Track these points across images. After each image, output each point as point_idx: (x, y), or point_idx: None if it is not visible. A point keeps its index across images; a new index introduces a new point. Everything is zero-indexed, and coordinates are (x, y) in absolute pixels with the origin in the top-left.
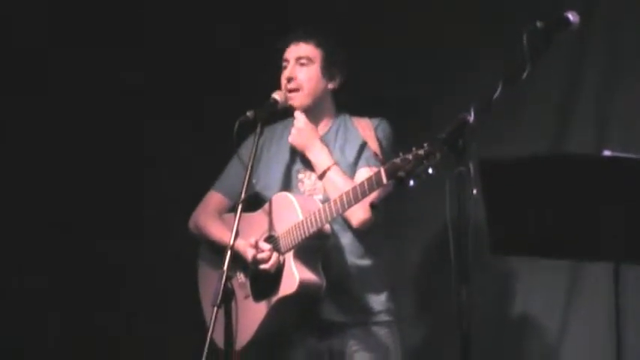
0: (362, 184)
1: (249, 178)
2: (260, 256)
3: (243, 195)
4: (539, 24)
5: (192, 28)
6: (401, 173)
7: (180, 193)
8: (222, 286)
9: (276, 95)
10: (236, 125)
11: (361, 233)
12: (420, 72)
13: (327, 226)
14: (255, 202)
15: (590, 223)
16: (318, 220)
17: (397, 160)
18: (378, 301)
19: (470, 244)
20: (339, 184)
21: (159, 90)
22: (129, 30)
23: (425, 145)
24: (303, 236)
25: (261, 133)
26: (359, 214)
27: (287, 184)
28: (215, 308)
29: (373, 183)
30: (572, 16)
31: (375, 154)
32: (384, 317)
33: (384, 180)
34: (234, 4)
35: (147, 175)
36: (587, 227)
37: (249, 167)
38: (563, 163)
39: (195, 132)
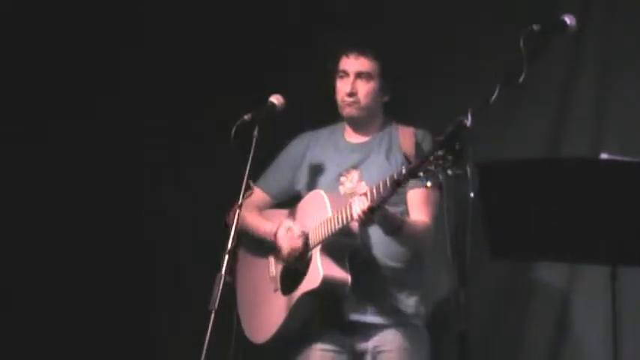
0: (384, 181)
1: (247, 181)
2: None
3: (241, 199)
4: (535, 27)
5: (193, 40)
6: (420, 173)
7: (182, 203)
8: (219, 290)
9: (274, 99)
10: (234, 129)
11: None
12: (418, 73)
13: (355, 224)
14: (285, 202)
15: (588, 225)
16: (345, 216)
17: (419, 161)
18: (407, 304)
19: (468, 247)
20: (415, 228)
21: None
22: (129, 38)
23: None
24: (330, 232)
25: (259, 135)
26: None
27: (328, 186)
28: (213, 312)
29: (394, 180)
30: (568, 20)
31: (405, 156)
32: (412, 321)
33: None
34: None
35: (147, 186)
36: (584, 230)
37: (247, 170)
38: (560, 166)
39: (196, 143)
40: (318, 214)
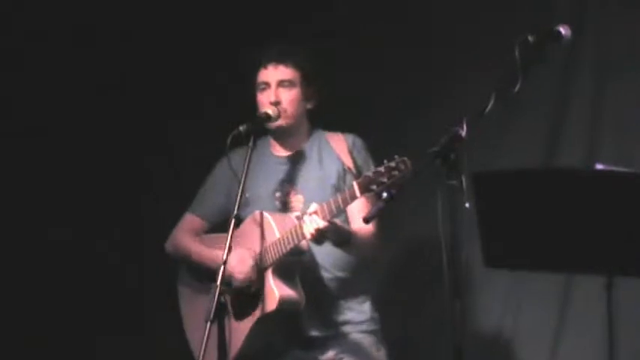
0: (336, 200)
1: (242, 192)
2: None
3: (235, 210)
4: (530, 37)
5: (193, 39)
6: (373, 186)
7: (176, 210)
8: (216, 300)
9: (269, 110)
10: (229, 140)
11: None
12: (410, 83)
13: (304, 242)
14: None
15: (583, 236)
16: (295, 237)
17: (370, 174)
18: (360, 311)
19: (463, 257)
20: (362, 237)
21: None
22: (127, 37)
23: (395, 156)
24: (281, 253)
25: (254, 147)
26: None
27: (264, 203)
28: (208, 324)
29: (347, 198)
30: (563, 30)
31: (349, 169)
32: (367, 327)
33: (358, 194)
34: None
35: (143, 188)
36: (579, 240)
37: (242, 182)
38: (556, 177)
39: (189, 147)
40: (266, 236)
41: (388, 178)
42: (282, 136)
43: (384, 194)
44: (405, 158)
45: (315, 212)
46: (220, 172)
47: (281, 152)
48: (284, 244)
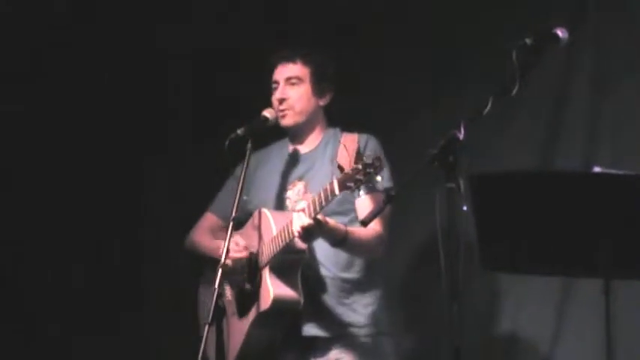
0: (319, 195)
1: (240, 196)
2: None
3: (234, 213)
4: (528, 40)
5: (192, 39)
6: (349, 184)
7: (175, 212)
8: (214, 303)
9: (267, 113)
10: (227, 143)
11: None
12: (409, 85)
13: (298, 241)
14: (246, 221)
15: (580, 239)
16: (287, 233)
17: (349, 171)
18: (364, 314)
19: (461, 259)
20: (361, 237)
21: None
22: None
23: (370, 154)
24: (275, 251)
25: (252, 150)
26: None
27: (275, 201)
28: (207, 326)
29: (328, 194)
30: (561, 33)
31: (339, 166)
32: (370, 330)
33: (337, 190)
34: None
35: (145, 190)
36: (577, 243)
37: (240, 185)
38: (553, 179)
39: (191, 152)
40: (265, 233)
41: (364, 175)
42: (295, 133)
43: (361, 192)
44: (380, 156)
45: (303, 210)
46: (237, 172)
47: (296, 150)
48: (277, 241)
